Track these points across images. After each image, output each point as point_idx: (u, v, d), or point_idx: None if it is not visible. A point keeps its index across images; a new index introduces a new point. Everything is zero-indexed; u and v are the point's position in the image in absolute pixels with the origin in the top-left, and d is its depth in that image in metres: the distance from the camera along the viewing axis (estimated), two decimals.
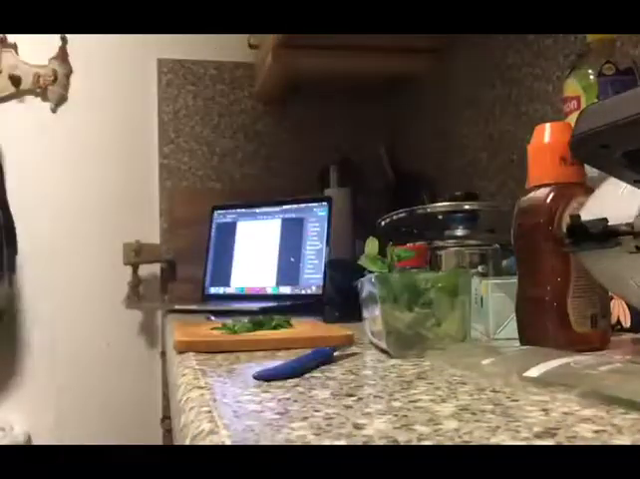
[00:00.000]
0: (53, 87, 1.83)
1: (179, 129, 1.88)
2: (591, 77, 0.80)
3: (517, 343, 0.63)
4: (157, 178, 1.87)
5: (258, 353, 0.66)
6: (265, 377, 0.50)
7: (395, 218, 1.04)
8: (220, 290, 1.46)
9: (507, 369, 0.47)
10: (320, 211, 1.35)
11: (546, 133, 0.63)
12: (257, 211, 1.47)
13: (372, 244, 0.71)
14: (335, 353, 0.60)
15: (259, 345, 0.68)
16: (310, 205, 1.38)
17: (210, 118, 1.90)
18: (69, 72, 1.84)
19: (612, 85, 0.78)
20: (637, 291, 0.55)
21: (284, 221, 1.40)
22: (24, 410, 1.78)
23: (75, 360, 1.81)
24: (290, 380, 0.50)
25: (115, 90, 1.86)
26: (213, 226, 1.53)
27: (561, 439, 0.32)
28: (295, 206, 1.40)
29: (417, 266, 0.87)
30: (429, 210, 1.03)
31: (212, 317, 1.06)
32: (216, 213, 1.54)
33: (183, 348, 0.68)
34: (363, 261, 0.70)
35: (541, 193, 0.61)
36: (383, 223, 1.07)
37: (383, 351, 0.63)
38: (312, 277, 1.30)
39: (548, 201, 0.61)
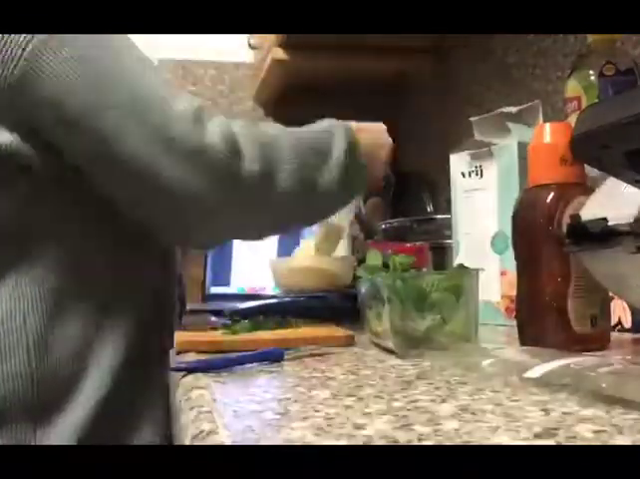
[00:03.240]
0: None
1: None
2: (592, 77, 0.80)
3: (517, 343, 0.63)
4: None
5: None
6: (193, 369, 0.52)
7: (396, 225, 1.07)
8: (220, 290, 1.45)
9: (508, 369, 0.47)
10: None
11: (546, 133, 0.63)
12: None
13: (373, 257, 0.71)
14: (286, 355, 0.59)
15: (259, 345, 0.68)
16: None
17: None
18: None
19: (613, 85, 0.78)
20: (637, 291, 0.55)
21: None
22: None
23: None
24: (290, 380, 0.50)
25: None
26: None
27: (561, 439, 0.32)
28: None
29: (418, 267, 0.86)
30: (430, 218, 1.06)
31: (212, 317, 1.06)
32: None
33: (183, 348, 0.68)
34: (362, 273, 0.69)
35: (541, 193, 0.61)
36: (384, 226, 1.09)
37: (384, 351, 0.63)
38: None
39: (548, 201, 0.60)
